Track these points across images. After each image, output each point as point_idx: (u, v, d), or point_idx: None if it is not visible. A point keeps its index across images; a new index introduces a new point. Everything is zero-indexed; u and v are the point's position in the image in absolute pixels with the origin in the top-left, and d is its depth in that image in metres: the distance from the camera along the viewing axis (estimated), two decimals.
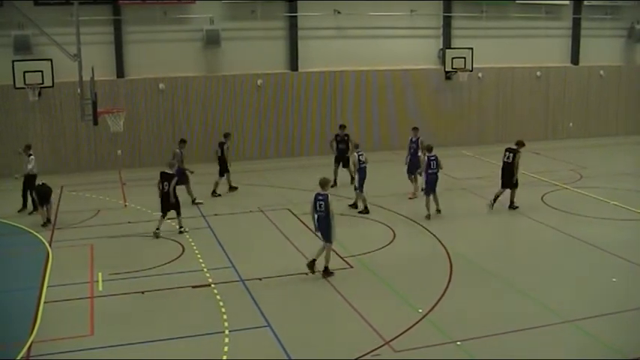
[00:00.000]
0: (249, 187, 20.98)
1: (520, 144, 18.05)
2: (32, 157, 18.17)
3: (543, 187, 20.44)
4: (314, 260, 13.36)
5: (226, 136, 20.48)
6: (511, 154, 17.90)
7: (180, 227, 16.41)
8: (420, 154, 19.27)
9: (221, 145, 20.15)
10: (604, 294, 12.48)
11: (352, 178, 19.84)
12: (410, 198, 19.25)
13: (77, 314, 11.77)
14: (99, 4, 23.11)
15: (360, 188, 17.86)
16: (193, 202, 18.79)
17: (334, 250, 14.66)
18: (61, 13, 22.09)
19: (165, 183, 16.02)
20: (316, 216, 13.33)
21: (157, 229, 16.04)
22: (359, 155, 17.81)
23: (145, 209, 18.41)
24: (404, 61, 26.67)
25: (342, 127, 21.64)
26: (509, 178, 17.84)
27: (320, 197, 13.23)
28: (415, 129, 20.28)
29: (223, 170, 20.11)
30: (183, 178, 18.08)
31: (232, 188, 20.38)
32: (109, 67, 23.50)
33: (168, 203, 16.07)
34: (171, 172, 16.20)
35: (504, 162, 18.01)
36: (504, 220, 17.51)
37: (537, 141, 28.22)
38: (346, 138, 21.10)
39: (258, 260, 14.41)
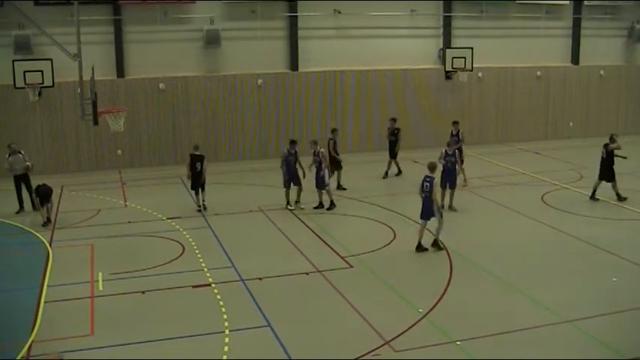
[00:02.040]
0: (249, 187, 21.00)
1: (611, 139, 18.92)
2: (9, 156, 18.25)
3: (543, 186, 20.44)
4: (420, 243, 14.67)
5: (333, 131, 20.47)
6: (604, 150, 18.74)
7: (204, 202, 18.10)
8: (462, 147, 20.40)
9: (329, 141, 20.10)
10: (604, 294, 12.48)
11: (399, 171, 21.52)
12: (464, 186, 19.93)
13: (77, 314, 11.77)
14: (99, 4, 23.09)
15: (328, 185, 18.19)
16: (295, 204, 18.35)
17: (335, 250, 14.75)
18: (61, 13, 22.07)
19: (198, 163, 17.78)
20: (423, 195, 14.72)
21: (199, 205, 18.07)
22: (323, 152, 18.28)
23: (145, 209, 18.42)
24: (404, 61, 26.67)
25: (393, 120, 22.34)
26: (606, 171, 18.65)
27: (427, 179, 14.55)
28: (455, 123, 20.96)
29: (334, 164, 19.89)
30: (296, 180, 18.14)
31: (340, 187, 20.07)
32: (109, 66, 23.50)
33: (200, 181, 17.89)
34: (199, 154, 17.97)
35: (601, 157, 18.83)
36: (505, 219, 17.50)
37: (537, 141, 28.32)
38: (396, 131, 21.82)
39: (258, 260, 14.40)
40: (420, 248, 14.67)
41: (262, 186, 21.11)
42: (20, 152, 18.33)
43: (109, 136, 22.68)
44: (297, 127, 25.63)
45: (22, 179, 18.13)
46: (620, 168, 22.99)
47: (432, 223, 14.75)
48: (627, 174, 22.30)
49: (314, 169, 18.29)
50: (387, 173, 21.83)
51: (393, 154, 21.79)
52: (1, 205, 18.70)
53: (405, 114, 26.61)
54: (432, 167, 14.82)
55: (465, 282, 13.09)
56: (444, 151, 18.02)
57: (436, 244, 14.78)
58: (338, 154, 20.10)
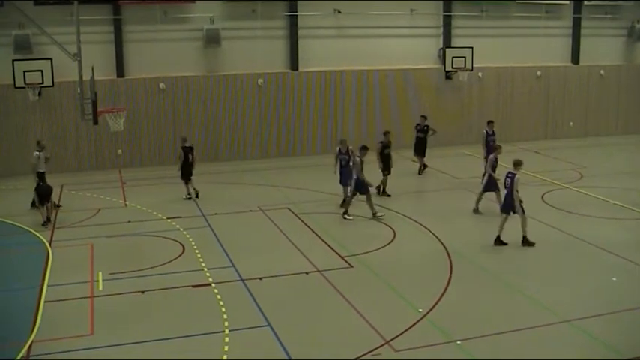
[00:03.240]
0: (249, 187, 21.00)
1: None
2: (34, 153, 18.27)
3: (543, 186, 20.44)
4: (498, 236, 15.02)
5: (386, 134, 19.68)
6: None
7: (195, 190, 19.17)
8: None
9: (380, 143, 19.36)
10: (604, 293, 12.48)
11: (422, 169, 22.06)
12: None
13: (77, 313, 11.78)
14: (99, 3, 23.07)
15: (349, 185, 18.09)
16: (374, 215, 17.17)
17: (335, 250, 14.75)
18: (61, 12, 22.07)
19: (190, 155, 18.91)
20: (505, 191, 15.14)
21: (189, 194, 19.17)
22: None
23: (145, 209, 18.42)
24: (404, 61, 26.67)
25: (424, 117, 22.59)
26: None
27: (509, 175, 14.85)
28: (491, 122, 21.02)
29: (386, 168, 19.28)
30: (363, 189, 17.12)
31: (384, 193, 19.33)
32: (109, 66, 23.49)
33: (190, 171, 19.01)
34: (189, 145, 19.19)
35: None
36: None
37: (537, 140, 28.31)
38: (426, 128, 22.08)
39: (258, 259, 14.40)
40: (498, 241, 14.94)
41: (262, 186, 21.10)
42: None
43: (109, 136, 22.68)
44: (297, 126, 25.64)
45: (44, 176, 18.09)
46: (620, 167, 23.07)
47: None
48: (628, 173, 22.33)
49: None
50: (425, 167, 22.21)
51: (422, 152, 22.03)
52: (2, 204, 18.70)
53: (405, 114, 26.61)
54: (516, 163, 14.99)
55: (465, 281, 13.09)
56: (493, 157, 17.40)
57: (526, 242, 14.91)
58: (390, 158, 19.31)
